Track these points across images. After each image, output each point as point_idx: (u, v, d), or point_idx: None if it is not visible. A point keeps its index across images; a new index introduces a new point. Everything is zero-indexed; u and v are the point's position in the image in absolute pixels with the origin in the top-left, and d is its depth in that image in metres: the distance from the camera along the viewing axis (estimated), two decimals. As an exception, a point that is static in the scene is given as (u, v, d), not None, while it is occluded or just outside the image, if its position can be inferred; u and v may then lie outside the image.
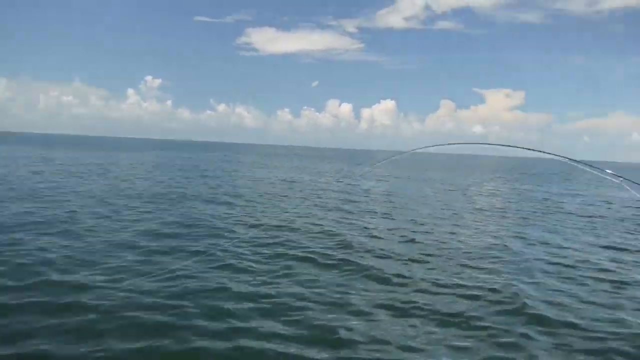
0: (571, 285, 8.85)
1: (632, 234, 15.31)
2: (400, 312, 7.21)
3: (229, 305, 7.04)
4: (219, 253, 9.89)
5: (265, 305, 7.15)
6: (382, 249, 11.15)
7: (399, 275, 8.98)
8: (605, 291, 8.55)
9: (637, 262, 11.05)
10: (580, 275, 9.53)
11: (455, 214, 18.43)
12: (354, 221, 15.31)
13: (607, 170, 3.59)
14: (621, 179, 3.55)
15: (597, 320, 7.06)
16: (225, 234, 12.10)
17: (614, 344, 6.21)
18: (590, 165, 3.69)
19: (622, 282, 9.05)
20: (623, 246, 12.94)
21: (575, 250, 12.16)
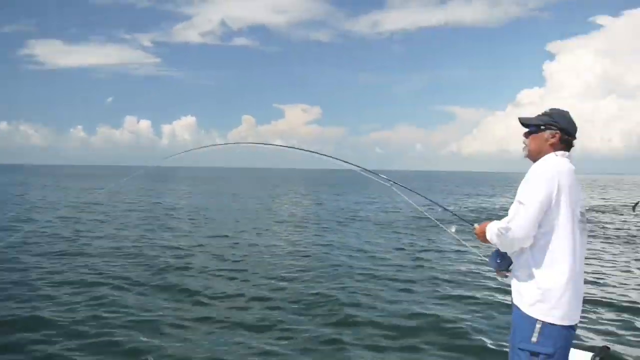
0: (374, 286, 9.37)
1: (415, 235, 17.01)
2: (213, 325, 6.95)
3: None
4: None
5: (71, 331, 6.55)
6: (189, 266, 10.76)
7: (207, 290, 8.74)
8: (403, 289, 9.16)
9: (421, 259, 12.30)
10: (380, 276, 10.15)
11: (259, 226, 18.61)
12: (156, 240, 14.54)
13: (382, 175, 3.89)
14: (391, 182, 3.81)
15: (398, 316, 7.49)
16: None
17: (415, 337, 6.62)
18: (377, 174, 3.96)
19: (412, 281, 9.80)
20: (412, 247, 14.31)
21: (374, 253, 13.06)
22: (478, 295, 8.67)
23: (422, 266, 11.37)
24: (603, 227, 19.05)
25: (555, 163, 2.77)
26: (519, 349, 2.71)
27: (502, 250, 2.88)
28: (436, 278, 10.06)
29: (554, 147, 2.85)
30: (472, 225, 3.16)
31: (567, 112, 2.92)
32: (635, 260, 12.43)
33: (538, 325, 2.65)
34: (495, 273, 3.05)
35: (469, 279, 10.00)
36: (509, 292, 2.94)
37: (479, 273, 10.42)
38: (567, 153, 2.85)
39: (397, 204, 28.57)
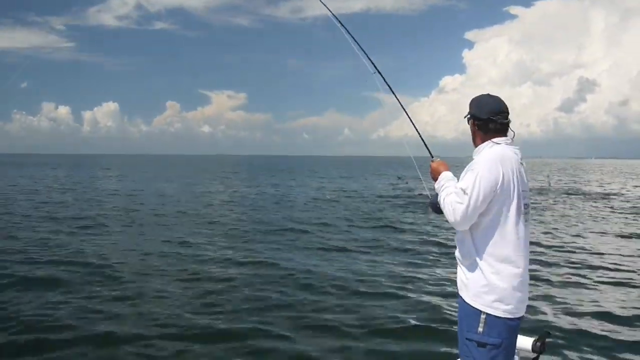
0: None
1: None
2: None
3: None
4: None
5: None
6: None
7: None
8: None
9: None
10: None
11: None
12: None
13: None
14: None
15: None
16: None
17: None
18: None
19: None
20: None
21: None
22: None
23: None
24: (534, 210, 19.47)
25: (492, 152, 2.72)
26: (467, 339, 2.69)
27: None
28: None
29: (477, 136, 2.85)
30: (432, 158, 3.12)
31: (482, 96, 2.89)
32: (570, 240, 12.66)
33: (483, 317, 2.63)
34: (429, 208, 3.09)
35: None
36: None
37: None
38: (503, 138, 2.78)
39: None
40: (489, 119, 2.78)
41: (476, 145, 2.85)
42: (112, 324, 6.23)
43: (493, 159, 2.66)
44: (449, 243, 11.17)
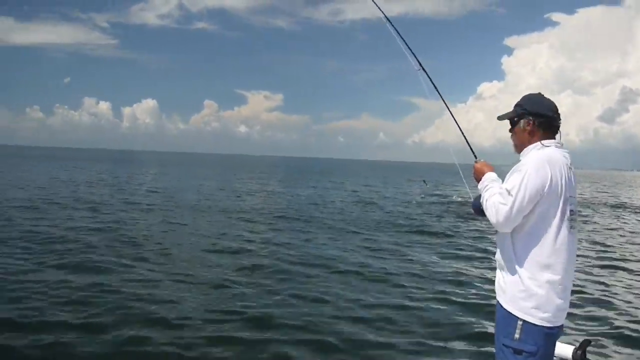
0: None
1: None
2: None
3: None
4: None
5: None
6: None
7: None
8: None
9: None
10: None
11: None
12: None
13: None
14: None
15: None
16: None
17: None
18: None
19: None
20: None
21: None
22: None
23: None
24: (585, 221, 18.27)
25: (541, 154, 2.63)
26: (503, 345, 2.64)
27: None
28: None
29: (535, 136, 2.73)
30: (476, 159, 3.07)
31: (537, 94, 2.80)
32: (614, 250, 12.29)
33: (519, 323, 2.57)
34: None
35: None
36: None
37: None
38: (554, 141, 2.71)
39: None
40: (552, 116, 2.72)
41: (524, 149, 2.75)
42: (173, 308, 6.47)
43: (542, 160, 2.57)
44: (490, 248, 11.29)
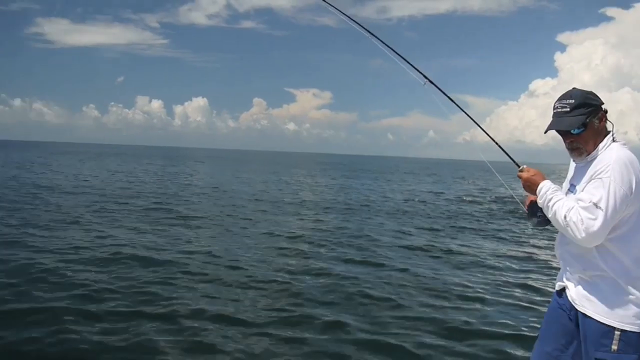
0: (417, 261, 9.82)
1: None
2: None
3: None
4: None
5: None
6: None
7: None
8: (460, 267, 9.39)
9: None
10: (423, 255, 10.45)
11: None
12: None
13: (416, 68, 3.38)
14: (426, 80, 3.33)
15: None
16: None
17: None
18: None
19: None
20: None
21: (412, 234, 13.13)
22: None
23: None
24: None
25: (623, 154, 2.48)
26: (596, 359, 2.51)
27: (553, 224, 2.63)
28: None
29: (604, 131, 2.61)
30: (519, 167, 2.83)
31: (581, 89, 2.67)
32: None
33: (617, 333, 2.45)
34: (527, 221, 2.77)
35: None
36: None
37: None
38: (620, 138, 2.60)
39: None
40: (606, 111, 2.63)
41: (595, 146, 2.59)
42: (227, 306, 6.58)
43: (624, 163, 2.43)
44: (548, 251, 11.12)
